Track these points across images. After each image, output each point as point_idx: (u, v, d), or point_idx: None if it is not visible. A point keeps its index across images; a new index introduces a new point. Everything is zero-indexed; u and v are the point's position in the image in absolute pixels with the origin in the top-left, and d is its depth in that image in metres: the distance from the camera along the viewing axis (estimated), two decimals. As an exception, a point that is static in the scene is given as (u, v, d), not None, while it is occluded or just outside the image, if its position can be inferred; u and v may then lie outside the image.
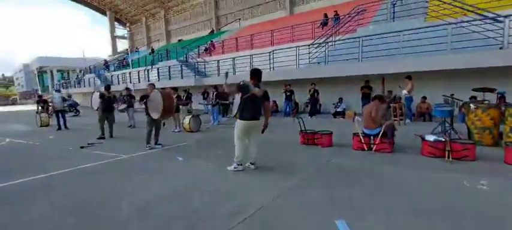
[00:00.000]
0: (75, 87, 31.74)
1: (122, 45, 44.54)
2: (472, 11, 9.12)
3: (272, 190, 3.43)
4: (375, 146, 5.10)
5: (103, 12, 42.63)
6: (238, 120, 4.13)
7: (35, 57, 53.32)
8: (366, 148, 5.18)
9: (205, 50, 19.78)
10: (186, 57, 19.41)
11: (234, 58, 14.56)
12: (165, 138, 7.32)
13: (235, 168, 4.19)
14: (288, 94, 12.17)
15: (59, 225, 2.69)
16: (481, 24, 8.39)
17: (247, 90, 3.95)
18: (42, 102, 12.49)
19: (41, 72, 52.28)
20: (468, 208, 2.80)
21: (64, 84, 35.27)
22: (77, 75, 37.21)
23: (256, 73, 4.11)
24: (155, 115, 6.19)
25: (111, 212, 2.93)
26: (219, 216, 2.74)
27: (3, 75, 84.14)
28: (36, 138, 8.71)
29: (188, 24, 33.88)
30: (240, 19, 27.04)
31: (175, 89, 9.77)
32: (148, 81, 19.82)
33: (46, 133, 9.83)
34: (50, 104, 12.16)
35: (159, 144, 6.57)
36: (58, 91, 12.59)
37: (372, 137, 5.22)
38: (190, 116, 8.82)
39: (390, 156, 4.90)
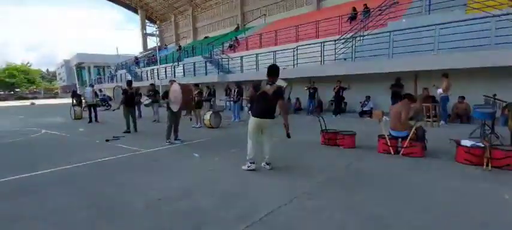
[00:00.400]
0: (108, 82, 33.56)
1: (153, 42, 46.33)
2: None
3: (285, 193, 3.26)
4: (403, 150, 4.69)
5: (135, 11, 44.56)
6: (250, 117, 4.09)
7: (75, 53, 57.22)
8: (392, 152, 4.80)
9: (230, 46, 19.86)
10: (211, 54, 19.62)
11: (257, 54, 14.42)
12: (185, 133, 7.40)
13: (248, 166, 4.10)
14: (311, 91, 11.81)
15: (69, 219, 2.74)
16: (531, 16, 7.45)
17: (257, 88, 3.91)
18: (76, 96, 13.27)
19: (80, 67, 55.97)
20: (509, 226, 2.42)
21: (98, 80, 37.46)
22: (110, 71, 39.31)
23: (272, 72, 3.96)
24: (175, 108, 6.27)
25: (121, 209, 2.94)
26: (226, 219, 2.63)
27: (47, 70, 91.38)
28: (68, 130, 9.26)
29: (215, 21, 34.27)
30: (265, 15, 26.79)
31: (196, 85, 9.85)
32: (174, 77, 20.40)
33: (78, 125, 10.43)
34: (83, 98, 12.89)
35: (179, 140, 6.65)
36: (91, 86, 13.31)
37: (399, 139, 4.82)
38: (210, 112, 8.85)
39: (420, 161, 4.47)
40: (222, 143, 6.62)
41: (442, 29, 8.56)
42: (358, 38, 11.36)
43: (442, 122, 8.26)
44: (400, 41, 9.41)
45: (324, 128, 5.73)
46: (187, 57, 22.45)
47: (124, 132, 8.14)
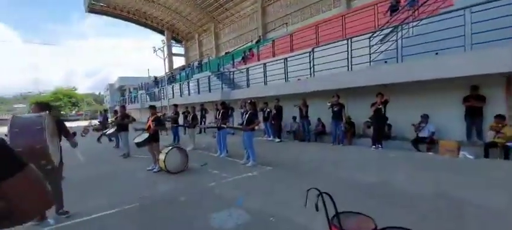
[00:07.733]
0: (129, 103, 32.91)
1: (181, 61, 46.09)
2: None
3: None
4: None
5: (162, 32, 44.81)
6: None
7: (118, 77, 60.45)
8: None
9: (242, 58, 16.99)
10: (218, 68, 16.92)
11: (264, 64, 11.19)
12: (128, 185, 4.38)
13: None
14: (335, 110, 8.13)
15: None
16: None
17: None
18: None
19: (123, 90, 58.62)
20: None
21: (122, 102, 37.30)
22: (130, 92, 39.28)
23: None
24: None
25: None
26: None
27: (99, 93, 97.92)
28: None
29: (236, 36, 32.26)
30: (287, 23, 23.71)
31: (153, 107, 6.69)
32: (181, 95, 18.01)
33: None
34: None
35: (64, 213, 3.63)
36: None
37: None
38: (170, 148, 5.73)
39: None
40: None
41: None
42: (405, 29, 7.57)
43: None
44: (482, 22, 5.50)
45: (331, 216, 2.12)
46: (199, 72, 20.10)
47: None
